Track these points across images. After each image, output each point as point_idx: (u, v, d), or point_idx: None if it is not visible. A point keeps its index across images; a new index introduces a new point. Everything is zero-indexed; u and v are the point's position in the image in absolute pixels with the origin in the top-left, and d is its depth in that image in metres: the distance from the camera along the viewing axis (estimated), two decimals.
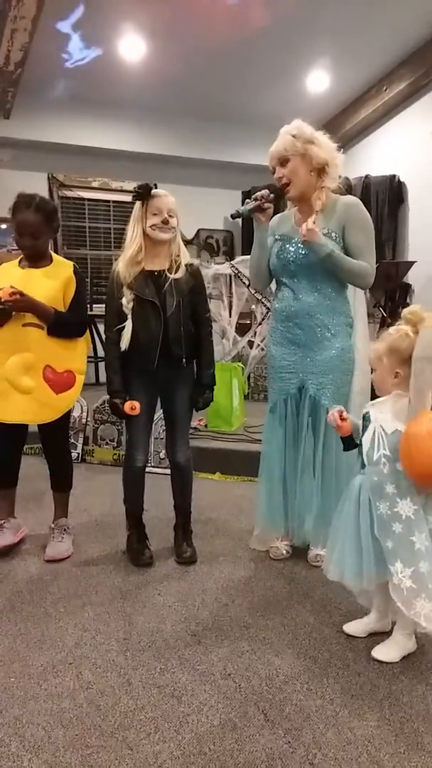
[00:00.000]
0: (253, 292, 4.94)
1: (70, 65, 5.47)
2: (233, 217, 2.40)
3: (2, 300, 2.27)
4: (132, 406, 2.33)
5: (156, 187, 2.38)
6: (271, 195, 2.34)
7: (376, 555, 1.76)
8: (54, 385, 2.42)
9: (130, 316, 2.31)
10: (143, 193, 2.30)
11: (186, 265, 2.39)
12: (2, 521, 2.60)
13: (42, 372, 2.39)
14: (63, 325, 2.41)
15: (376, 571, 1.77)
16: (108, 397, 2.41)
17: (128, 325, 2.31)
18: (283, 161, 2.31)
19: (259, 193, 2.33)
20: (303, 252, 2.32)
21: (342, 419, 1.92)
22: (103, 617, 2.06)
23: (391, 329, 1.80)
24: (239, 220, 7.33)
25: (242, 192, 6.91)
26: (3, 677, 1.72)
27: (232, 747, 1.45)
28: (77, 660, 1.80)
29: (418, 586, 1.70)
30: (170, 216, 2.32)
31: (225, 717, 1.56)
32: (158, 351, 2.32)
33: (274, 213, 2.42)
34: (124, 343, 2.31)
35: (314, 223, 2.23)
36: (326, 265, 2.26)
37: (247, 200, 2.38)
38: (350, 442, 1.93)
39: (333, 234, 2.28)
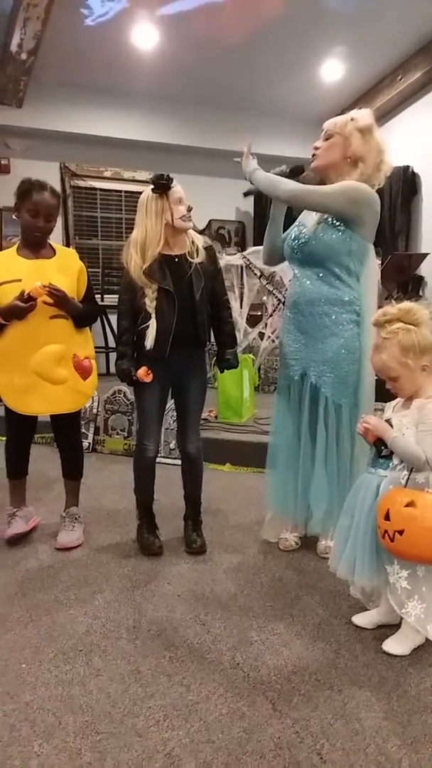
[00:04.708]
0: (264, 283, 4.92)
1: (92, 22, 4.97)
2: (245, 194, 2.40)
3: (30, 295, 2.25)
4: (146, 372, 2.31)
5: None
6: (286, 171, 2.34)
7: (386, 553, 1.77)
8: (82, 372, 2.47)
9: (154, 316, 2.30)
10: (167, 184, 2.28)
11: (204, 248, 2.40)
12: (15, 510, 2.62)
13: (71, 361, 2.43)
14: (86, 316, 2.49)
15: (385, 568, 1.79)
16: (118, 368, 2.40)
17: (152, 324, 2.29)
18: (328, 136, 2.31)
19: (276, 169, 2.35)
20: (305, 240, 2.32)
21: (365, 425, 1.86)
22: (113, 605, 2.07)
23: (383, 334, 1.78)
24: (251, 210, 7.31)
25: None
26: (14, 663, 1.74)
27: (240, 735, 1.46)
28: (87, 647, 1.82)
29: (413, 587, 1.73)
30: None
31: (233, 706, 1.57)
32: (171, 340, 2.32)
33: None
34: (149, 341, 2.29)
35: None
36: (254, 184, 2.35)
37: None
38: (381, 446, 1.83)
39: (329, 218, 2.28)
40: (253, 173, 2.33)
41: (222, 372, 2.60)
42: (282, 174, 2.34)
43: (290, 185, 2.27)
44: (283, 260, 2.56)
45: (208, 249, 2.43)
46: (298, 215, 2.48)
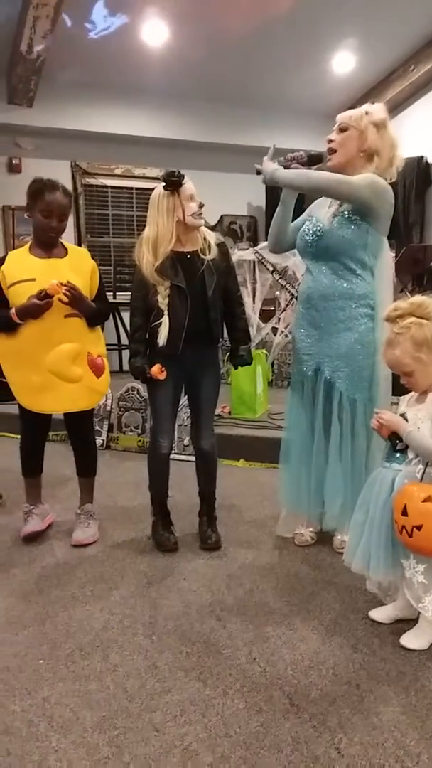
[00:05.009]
0: (277, 278, 4.90)
1: (95, 35, 5.21)
2: (258, 172, 2.34)
3: (47, 293, 2.26)
4: (160, 369, 2.31)
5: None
6: (304, 158, 2.31)
7: (402, 547, 1.75)
8: (95, 370, 2.48)
9: (166, 313, 2.30)
10: (178, 181, 2.27)
11: (217, 245, 2.39)
12: (31, 507, 2.64)
13: (86, 359, 2.44)
14: (99, 315, 2.51)
15: (401, 563, 1.78)
16: (131, 366, 2.40)
17: (165, 322, 2.29)
18: (343, 128, 2.28)
19: (291, 154, 2.31)
20: (320, 234, 2.30)
21: (379, 419, 1.84)
22: (129, 601, 2.08)
23: (395, 329, 1.77)
24: (263, 205, 7.28)
25: None
26: (32, 659, 1.75)
27: (258, 730, 1.46)
28: (104, 643, 1.83)
29: (430, 582, 1.72)
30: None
31: (250, 700, 1.56)
32: (184, 337, 2.31)
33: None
34: (162, 339, 2.30)
35: (338, 206, 2.23)
36: (280, 183, 2.29)
37: (279, 158, 2.34)
38: (396, 440, 1.81)
39: (346, 212, 2.26)
40: (275, 173, 2.26)
41: (236, 369, 2.60)
42: (299, 160, 2.31)
43: (323, 176, 2.23)
44: (290, 249, 2.54)
45: (221, 246, 2.42)
46: (309, 204, 2.46)
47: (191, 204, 2.29)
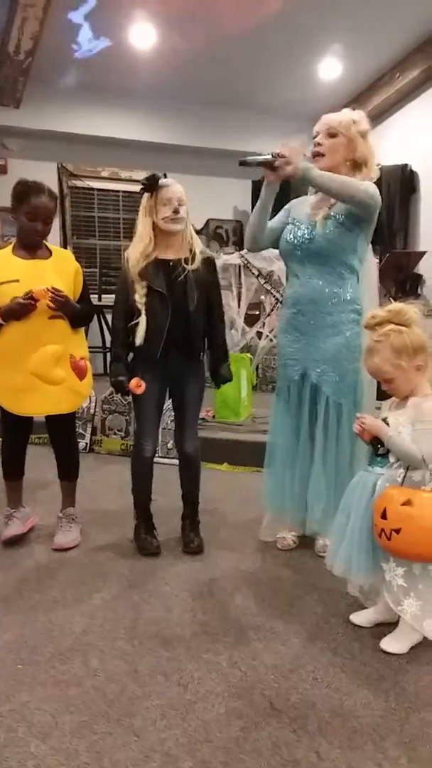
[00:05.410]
0: (262, 282, 4.92)
1: (79, 56, 5.42)
2: (241, 162, 2.25)
3: (34, 296, 2.25)
4: (138, 383, 2.32)
5: (165, 176, 2.36)
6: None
7: (382, 551, 1.76)
8: (78, 372, 2.47)
9: (143, 312, 2.30)
10: (152, 184, 2.29)
11: (202, 257, 2.38)
12: (12, 511, 2.62)
13: (69, 361, 2.43)
14: (83, 316, 2.51)
15: (381, 566, 1.79)
16: (111, 378, 2.41)
17: (142, 321, 2.30)
18: (332, 134, 2.27)
19: (277, 150, 2.21)
20: (309, 237, 2.30)
21: (361, 424, 1.85)
22: (110, 605, 2.07)
23: (374, 337, 1.79)
24: (249, 209, 7.30)
25: (252, 181, 6.86)
26: (11, 664, 1.73)
27: (238, 735, 1.45)
28: (84, 647, 1.82)
29: (409, 585, 1.73)
30: (180, 205, 2.30)
31: (231, 705, 1.56)
32: (163, 341, 2.31)
33: (284, 188, 2.36)
34: (139, 338, 2.31)
35: (328, 209, 2.24)
36: (307, 183, 2.22)
37: (264, 154, 2.24)
38: (378, 444, 1.83)
39: (338, 216, 2.26)
40: (309, 171, 2.17)
41: (218, 387, 2.61)
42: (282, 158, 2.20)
43: (353, 183, 2.19)
44: (266, 248, 2.51)
45: (207, 259, 2.41)
46: (287, 201, 2.44)
47: (164, 208, 2.29)
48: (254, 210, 2.43)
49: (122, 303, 2.37)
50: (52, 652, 1.79)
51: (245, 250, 5.13)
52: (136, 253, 2.33)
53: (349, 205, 2.22)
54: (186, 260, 2.34)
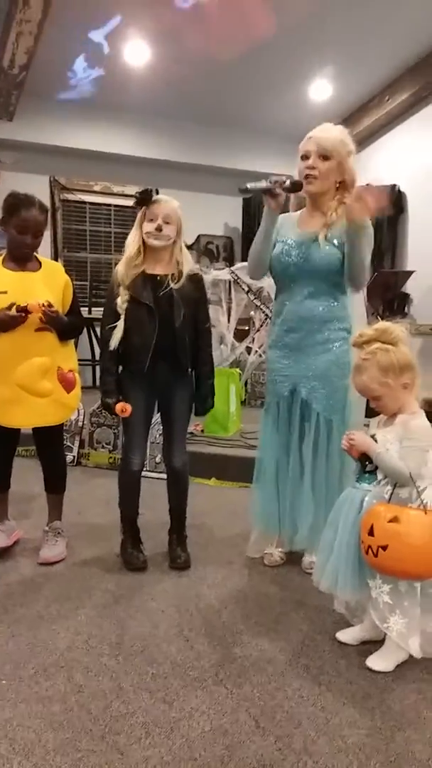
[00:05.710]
0: (252, 298, 4.95)
1: (74, 83, 5.55)
2: (241, 190, 2.27)
3: (27, 309, 2.26)
4: (123, 408, 2.33)
5: (157, 193, 2.37)
6: (286, 183, 2.24)
7: (369, 568, 1.77)
8: (66, 384, 2.47)
9: (123, 316, 2.33)
10: (144, 199, 2.32)
11: (189, 275, 2.39)
12: None
13: (56, 373, 2.43)
14: (72, 329, 2.51)
15: (368, 583, 1.80)
16: (102, 398, 2.42)
17: (120, 324, 2.33)
18: (325, 156, 2.25)
19: (276, 177, 2.22)
20: (303, 256, 2.31)
21: (350, 441, 1.86)
22: (95, 621, 2.05)
23: (362, 355, 1.81)
24: (239, 226, 7.36)
25: (243, 199, 6.92)
26: None
27: (223, 753, 1.44)
28: (69, 663, 1.80)
29: (395, 602, 1.74)
30: (166, 223, 2.31)
31: (216, 723, 1.55)
32: (150, 355, 2.32)
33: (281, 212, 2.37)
34: (114, 341, 2.33)
35: (327, 228, 2.27)
36: (362, 238, 2.20)
37: (263, 180, 2.25)
38: (366, 461, 1.84)
39: (335, 240, 2.28)
40: (368, 229, 2.22)
41: (198, 416, 2.60)
42: (282, 186, 2.23)
43: (370, 244, 2.24)
44: (267, 273, 2.52)
45: (194, 276, 2.42)
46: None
47: (149, 224, 2.32)
48: (256, 239, 2.39)
49: (109, 313, 2.39)
50: (35, 668, 1.77)
51: (236, 266, 5.19)
52: (123, 262, 2.36)
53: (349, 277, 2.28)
54: (173, 276, 2.36)
